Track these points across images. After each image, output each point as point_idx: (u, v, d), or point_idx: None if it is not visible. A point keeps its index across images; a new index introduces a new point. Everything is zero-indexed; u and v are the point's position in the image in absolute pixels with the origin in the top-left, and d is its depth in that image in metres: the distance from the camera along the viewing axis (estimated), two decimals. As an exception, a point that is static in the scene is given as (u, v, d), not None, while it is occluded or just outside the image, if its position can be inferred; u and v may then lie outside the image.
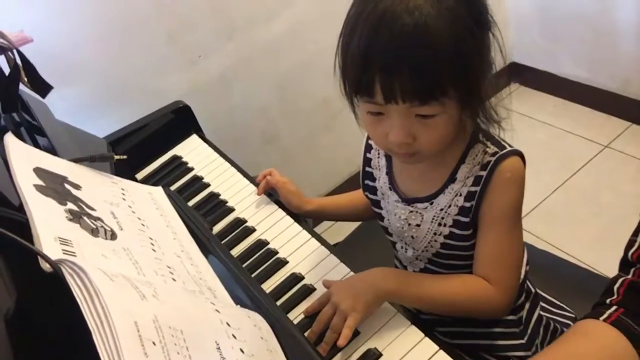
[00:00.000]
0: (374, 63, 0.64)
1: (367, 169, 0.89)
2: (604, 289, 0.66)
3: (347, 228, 1.28)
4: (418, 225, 0.81)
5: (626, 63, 1.95)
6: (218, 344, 0.52)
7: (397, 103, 0.65)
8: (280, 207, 1.02)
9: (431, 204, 0.79)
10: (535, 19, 2.15)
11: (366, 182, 0.90)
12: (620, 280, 0.64)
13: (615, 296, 0.63)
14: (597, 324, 0.62)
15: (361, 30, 0.65)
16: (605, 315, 0.62)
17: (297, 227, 0.96)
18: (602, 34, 1.96)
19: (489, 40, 0.69)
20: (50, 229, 0.56)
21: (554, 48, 2.15)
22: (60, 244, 0.54)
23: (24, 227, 0.54)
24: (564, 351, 0.62)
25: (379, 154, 0.87)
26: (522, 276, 0.84)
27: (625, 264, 0.65)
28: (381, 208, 0.87)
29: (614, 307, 0.62)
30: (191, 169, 1.18)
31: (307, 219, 1.04)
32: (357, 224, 1.28)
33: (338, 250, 0.90)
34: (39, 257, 0.48)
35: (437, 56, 0.63)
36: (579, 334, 0.63)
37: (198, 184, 1.13)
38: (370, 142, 0.89)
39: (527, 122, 2.16)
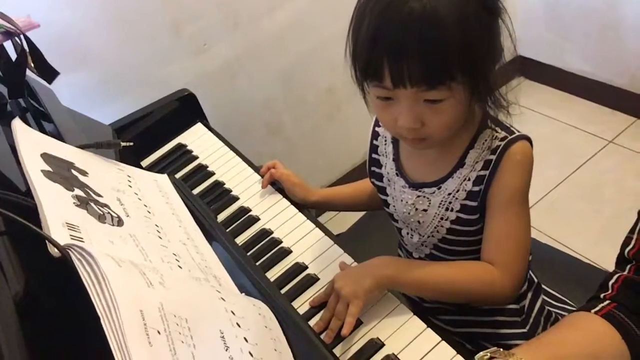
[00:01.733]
0: (383, 47, 0.65)
1: (374, 155, 0.90)
2: (600, 284, 0.66)
3: (350, 219, 1.29)
4: (425, 210, 0.82)
5: (632, 58, 1.94)
6: (222, 333, 0.52)
7: (405, 87, 0.66)
8: (284, 196, 1.02)
9: (439, 188, 0.80)
10: (542, 12, 2.14)
11: (372, 168, 0.90)
12: (615, 277, 0.65)
13: (609, 291, 0.64)
14: (587, 316, 0.62)
15: (370, 14, 0.66)
16: (597, 308, 0.62)
17: (301, 216, 0.96)
18: (609, 29, 1.94)
19: (499, 27, 0.69)
20: (58, 214, 0.56)
21: (561, 42, 2.14)
22: (68, 229, 0.54)
23: (32, 213, 0.55)
24: (550, 340, 0.62)
25: (385, 140, 0.88)
26: (526, 264, 0.84)
27: (621, 261, 0.66)
28: (387, 195, 0.88)
29: (607, 302, 0.63)
30: (196, 157, 1.18)
31: (310, 209, 1.04)
32: (359, 215, 1.28)
33: (340, 240, 0.91)
34: (47, 242, 0.49)
35: (444, 41, 0.63)
36: (567, 324, 0.64)
37: (203, 172, 1.13)
38: (377, 129, 0.89)
39: (531, 115, 2.15)
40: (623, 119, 2.03)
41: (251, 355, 0.52)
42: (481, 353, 0.58)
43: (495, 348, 0.59)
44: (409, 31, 0.63)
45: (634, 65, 1.94)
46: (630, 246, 0.65)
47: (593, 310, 0.62)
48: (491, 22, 0.68)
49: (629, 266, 0.64)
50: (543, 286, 0.95)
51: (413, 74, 0.64)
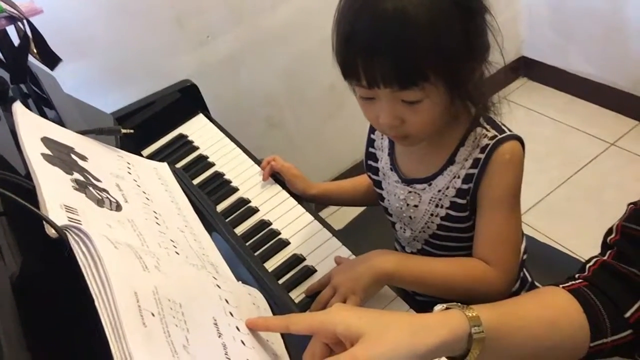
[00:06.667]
0: (356, 47, 0.66)
1: (371, 149, 0.90)
2: (579, 268, 0.68)
3: (350, 215, 1.28)
4: (416, 206, 0.82)
5: (637, 61, 1.93)
6: (215, 320, 0.52)
7: (378, 87, 0.67)
8: (284, 188, 1.02)
9: (429, 185, 0.80)
10: (547, 13, 2.14)
11: (369, 162, 0.91)
12: (594, 260, 0.67)
13: (585, 273, 0.66)
14: (553, 288, 0.64)
15: (346, 15, 0.67)
16: (566, 284, 0.64)
17: (300, 209, 0.97)
18: (613, 32, 1.94)
19: (480, 25, 0.69)
20: (56, 196, 0.56)
21: (565, 44, 2.14)
22: (66, 211, 0.54)
23: (30, 194, 0.55)
24: (509, 302, 0.64)
25: (382, 135, 0.88)
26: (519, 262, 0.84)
27: (603, 247, 0.68)
28: (382, 189, 0.88)
29: (579, 280, 0.65)
30: (196, 148, 1.18)
31: (310, 203, 1.04)
32: (359, 210, 1.28)
33: (339, 233, 0.91)
34: (44, 222, 0.49)
35: (415, 42, 0.63)
36: (532, 293, 0.66)
37: (203, 163, 1.13)
38: None
39: (534, 116, 2.15)
40: (626, 122, 2.03)
41: (243, 343, 0.52)
42: (439, 304, 0.59)
43: (455, 303, 0.60)
44: (379, 32, 0.64)
45: (638, 68, 1.94)
46: (613, 234, 0.67)
47: (561, 285, 0.64)
48: (467, 21, 0.67)
49: (609, 251, 0.66)
50: (538, 285, 0.95)
51: (385, 75, 0.65)
